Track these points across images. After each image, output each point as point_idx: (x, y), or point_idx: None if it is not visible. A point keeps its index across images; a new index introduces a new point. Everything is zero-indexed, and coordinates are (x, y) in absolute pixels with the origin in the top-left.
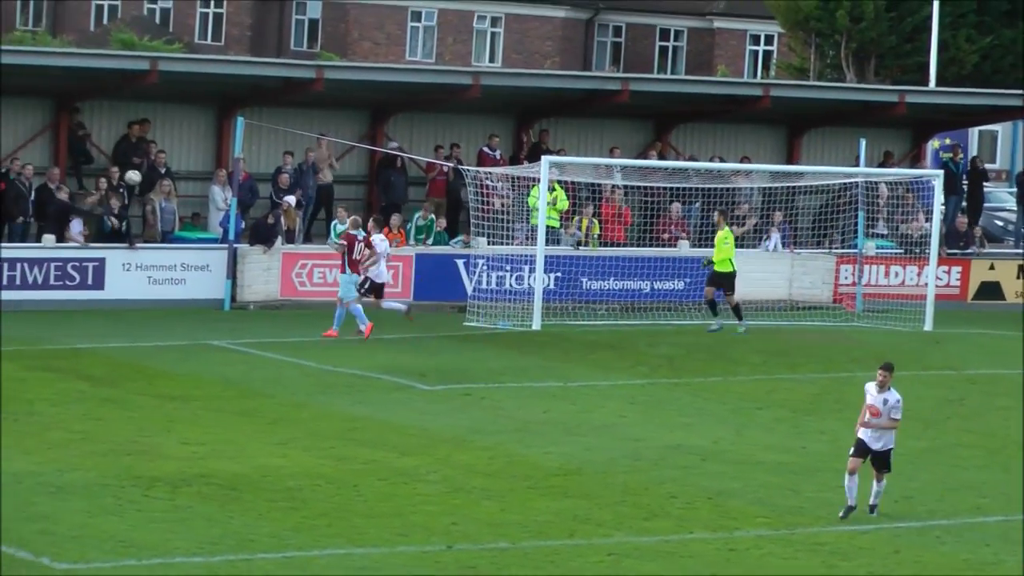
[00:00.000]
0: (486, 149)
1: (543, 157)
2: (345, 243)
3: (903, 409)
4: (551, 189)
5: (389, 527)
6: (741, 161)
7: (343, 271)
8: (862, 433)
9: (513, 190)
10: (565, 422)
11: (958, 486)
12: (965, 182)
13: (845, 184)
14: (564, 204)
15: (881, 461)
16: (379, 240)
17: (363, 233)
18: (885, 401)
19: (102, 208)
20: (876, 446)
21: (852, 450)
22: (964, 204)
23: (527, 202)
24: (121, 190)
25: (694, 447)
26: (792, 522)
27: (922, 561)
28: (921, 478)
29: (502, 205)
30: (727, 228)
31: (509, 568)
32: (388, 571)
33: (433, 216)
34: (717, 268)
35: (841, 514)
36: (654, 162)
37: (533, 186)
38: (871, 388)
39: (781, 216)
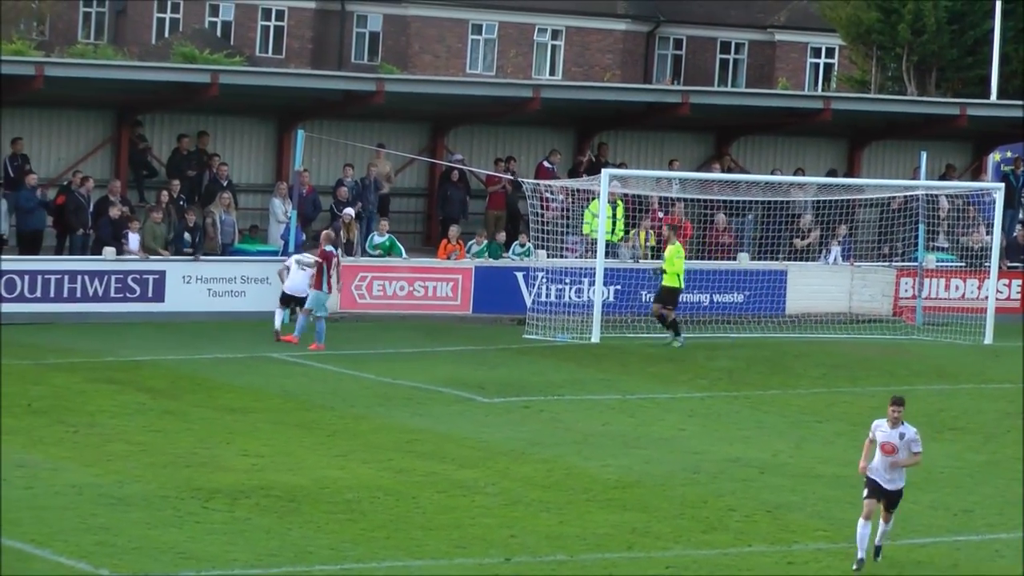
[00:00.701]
0: (546, 163)
1: (603, 170)
2: (321, 260)
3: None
4: (612, 203)
5: (447, 539)
6: (796, 174)
7: (318, 287)
8: (874, 474)
9: (573, 203)
10: (624, 435)
11: (1017, 500)
12: None
13: (906, 197)
14: (620, 229)
15: (893, 501)
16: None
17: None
18: (902, 436)
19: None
20: (890, 487)
21: (865, 492)
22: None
23: (585, 216)
24: (181, 202)
25: (753, 460)
26: (851, 535)
27: (981, 575)
28: (981, 491)
29: (562, 217)
30: (678, 243)
31: None
32: None
33: (487, 241)
34: (665, 283)
35: (855, 567)
36: (714, 175)
37: (593, 199)
38: (882, 425)
39: (845, 229)
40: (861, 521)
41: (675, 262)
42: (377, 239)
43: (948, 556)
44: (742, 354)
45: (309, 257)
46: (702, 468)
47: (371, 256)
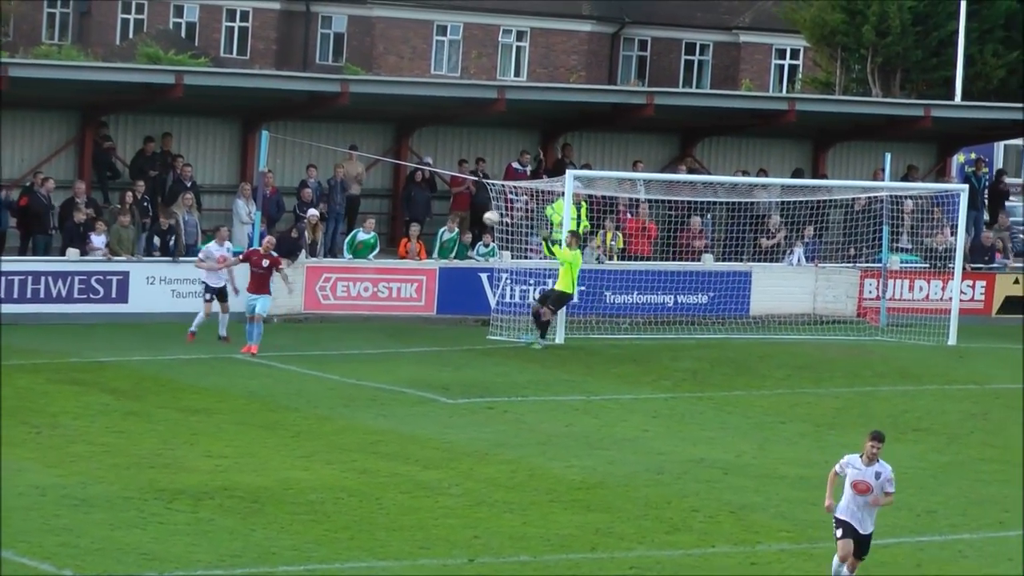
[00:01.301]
0: (515, 164)
1: (567, 171)
2: (271, 263)
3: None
4: (577, 205)
5: (411, 540)
6: (759, 175)
7: (266, 291)
8: (844, 513)
9: (538, 204)
10: (588, 436)
11: (981, 500)
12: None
13: (870, 198)
14: (585, 225)
15: (864, 547)
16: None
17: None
18: (877, 475)
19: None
20: (862, 531)
21: (839, 532)
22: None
23: (546, 215)
24: (145, 203)
25: (717, 461)
26: (814, 536)
27: (945, 575)
28: (944, 492)
29: (526, 219)
30: (578, 250)
31: None
32: None
33: (458, 230)
34: (560, 288)
35: None
36: (678, 176)
37: (557, 200)
38: (854, 461)
39: (809, 230)
40: (836, 561)
41: (573, 269)
42: (362, 235)
43: (912, 557)
44: (706, 355)
45: (217, 251)
46: (666, 469)
47: (353, 255)
